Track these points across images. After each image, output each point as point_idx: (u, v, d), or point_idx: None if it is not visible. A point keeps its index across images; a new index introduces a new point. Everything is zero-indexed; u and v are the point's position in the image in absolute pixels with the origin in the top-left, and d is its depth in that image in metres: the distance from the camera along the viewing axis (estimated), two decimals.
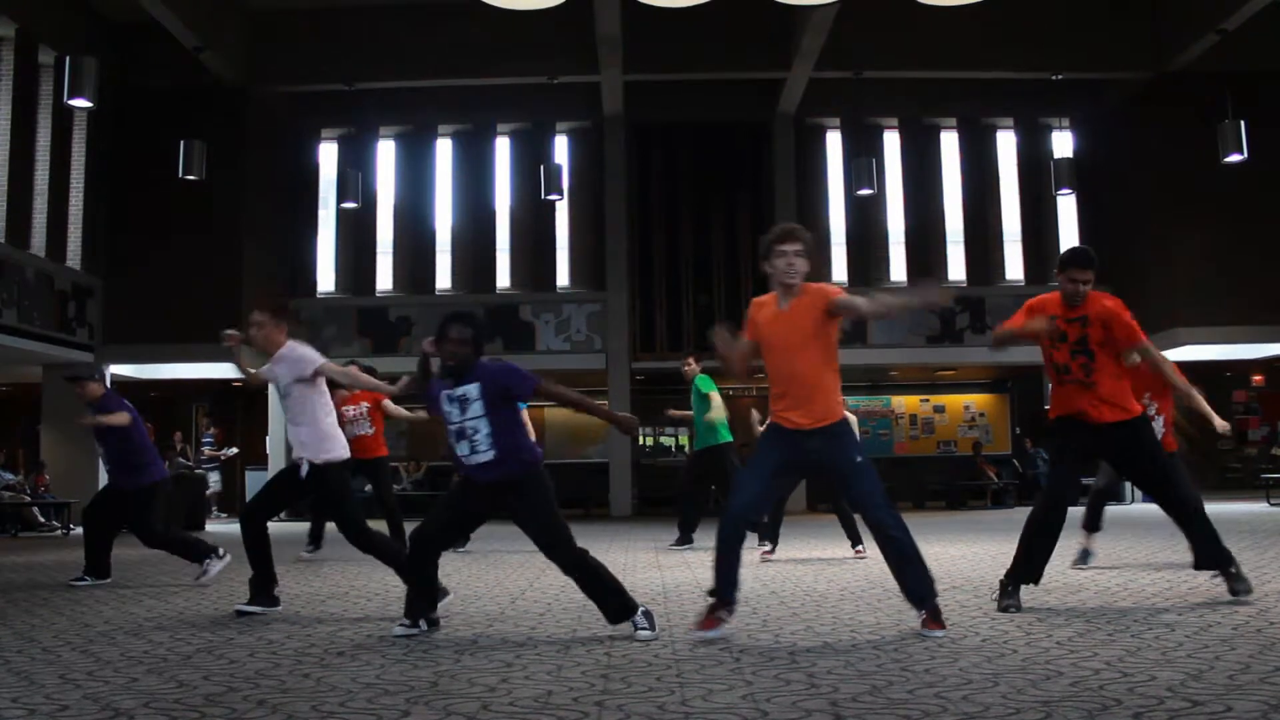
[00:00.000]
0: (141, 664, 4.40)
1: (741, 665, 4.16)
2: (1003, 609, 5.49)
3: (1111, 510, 17.80)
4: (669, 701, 3.54)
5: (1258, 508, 15.72)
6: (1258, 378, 24.29)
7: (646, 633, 4.90)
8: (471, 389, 5.13)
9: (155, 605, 6.49)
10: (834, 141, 21.34)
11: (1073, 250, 5.83)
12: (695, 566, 8.57)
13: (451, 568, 8.81)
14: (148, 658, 4.56)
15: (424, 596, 5.24)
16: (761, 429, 9.28)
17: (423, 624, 5.15)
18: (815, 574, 7.83)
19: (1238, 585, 5.62)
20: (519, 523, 5.15)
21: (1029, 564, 5.69)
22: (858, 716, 3.28)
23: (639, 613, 4.97)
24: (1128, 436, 5.69)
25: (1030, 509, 5.96)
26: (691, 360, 10.94)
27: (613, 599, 5.02)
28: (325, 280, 21.09)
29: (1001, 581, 5.70)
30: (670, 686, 3.78)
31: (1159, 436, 7.03)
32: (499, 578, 7.98)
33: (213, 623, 5.65)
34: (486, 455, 5.09)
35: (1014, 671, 3.90)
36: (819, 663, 4.17)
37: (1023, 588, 5.67)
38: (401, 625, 5.14)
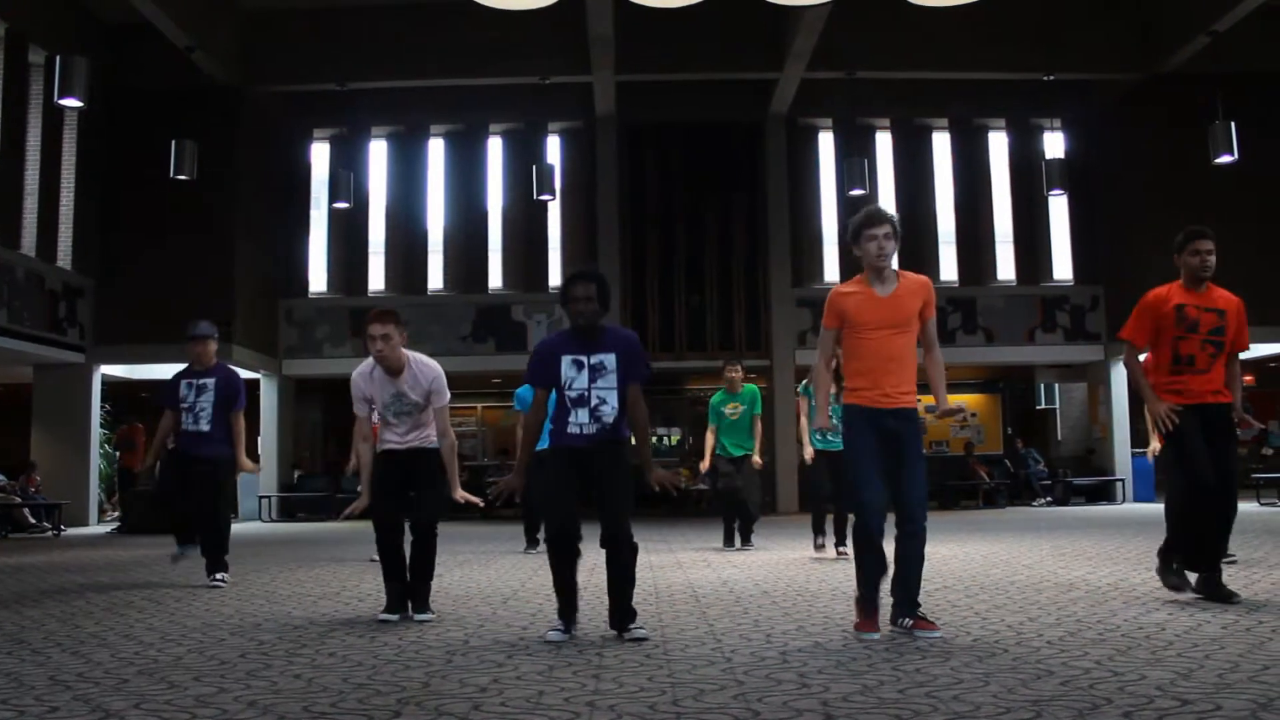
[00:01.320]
0: (132, 665, 4.39)
1: (733, 665, 4.16)
2: (1171, 586, 5.67)
3: (1102, 510, 17.88)
4: (660, 702, 3.54)
5: (1247, 507, 15.76)
6: (1248, 378, 24.31)
7: (642, 630, 4.90)
8: (609, 358, 5.05)
9: (147, 607, 6.48)
10: (826, 142, 21.38)
11: (1191, 226, 5.95)
12: (688, 567, 8.59)
13: (444, 568, 8.80)
14: (139, 659, 4.55)
15: (575, 599, 5.09)
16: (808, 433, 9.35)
17: (568, 629, 5.01)
18: (807, 573, 7.84)
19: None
20: (597, 486, 5.02)
21: (1200, 550, 5.73)
22: (849, 716, 3.28)
23: (638, 618, 5.00)
24: (1227, 418, 5.82)
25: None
26: (740, 367, 10.73)
27: (627, 597, 4.99)
28: (317, 280, 21.08)
29: (1163, 558, 5.82)
30: (662, 686, 3.78)
31: None
32: (491, 578, 7.97)
33: (204, 624, 5.64)
34: (608, 423, 5.03)
35: (1005, 671, 3.90)
36: (810, 662, 4.18)
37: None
38: (555, 630, 4.97)
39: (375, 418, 6.11)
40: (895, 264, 5.10)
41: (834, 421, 9.00)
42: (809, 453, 9.52)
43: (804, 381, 9.53)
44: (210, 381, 7.94)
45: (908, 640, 4.65)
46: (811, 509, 9.50)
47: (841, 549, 9.04)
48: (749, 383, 10.75)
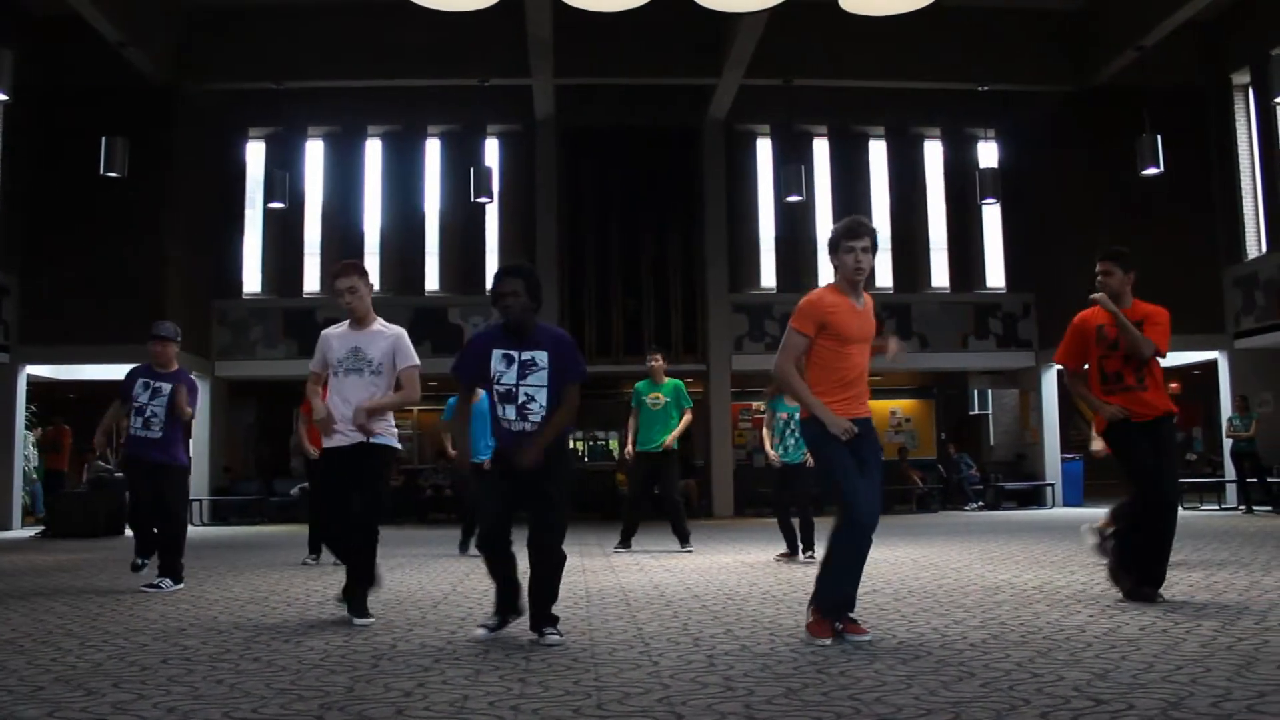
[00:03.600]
0: (49, 672, 4.30)
1: (660, 668, 4.17)
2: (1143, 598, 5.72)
3: (1032, 514, 18.14)
4: (585, 705, 3.54)
5: None
6: (1174, 385, 24.87)
7: (555, 636, 4.88)
8: (541, 356, 5.02)
9: (67, 612, 6.34)
10: (764, 148, 21.50)
11: (1104, 248, 6.13)
12: (620, 571, 8.59)
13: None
14: (55, 665, 4.46)
15: (512, 594, 5.13)
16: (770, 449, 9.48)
17: (507, 619, 5.11)
18: (738, 577, 7.88)
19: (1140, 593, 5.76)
20: (532, 495, 4.97)
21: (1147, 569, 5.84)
22: (771, 719, 3.30)
23: (557, 623, 4.99)
24: (1166, 428, 5.89)
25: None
26: (660, 357, 10.83)
27: (548, 605, 4.98)
28: (251, 281, 20.81)
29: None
30: (587, 690, 3.78)
31: None
32: (421, 582, 7.91)
33: (127, 630, 5.54)
34: (536, 421, 4.98)
35: (927, 673, 3.95)
36: (736, 665, 4.20)
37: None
38: (483, 628, 5.09)
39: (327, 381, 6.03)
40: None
41: (793, 436, 9.22)
42: (774, 456, 9.55)
43: (768, 399, 9.67)
44: (166, 386, 7.85)
45: (834, 643, 4.68)
46: (780, 519, 9.58)
47: (809, 554, 9.06)
48: (673, 378, 10.85)
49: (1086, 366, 6.16)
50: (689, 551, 10.36)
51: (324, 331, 6.11)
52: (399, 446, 6.10)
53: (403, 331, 6.01)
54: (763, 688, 3.75)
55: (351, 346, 5.90)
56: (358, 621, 5.64)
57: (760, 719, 3.31)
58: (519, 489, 5.02)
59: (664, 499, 10.69)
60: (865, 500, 4.80)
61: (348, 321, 6.02)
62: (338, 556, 5.91)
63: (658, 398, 10.52)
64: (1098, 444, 7.35)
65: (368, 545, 5.86)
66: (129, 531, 8.10)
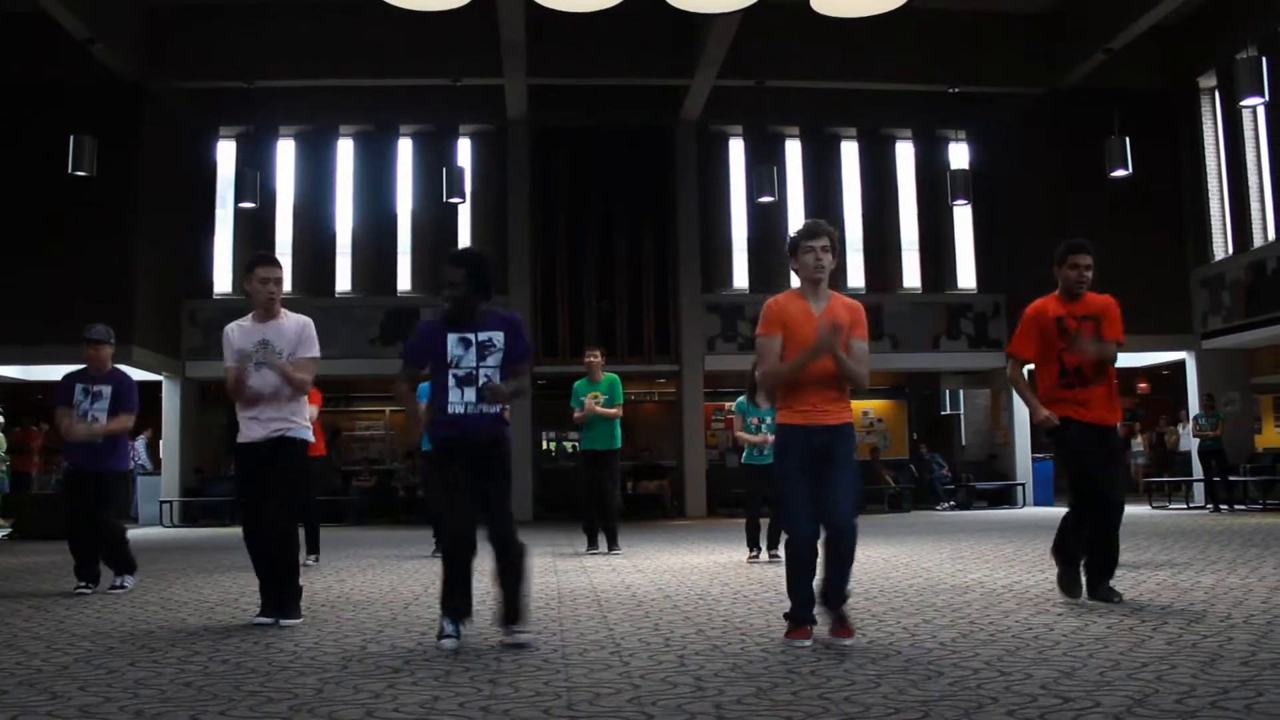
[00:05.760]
0: (13, 676, 4.26)
1: (630, 669, 4.18)
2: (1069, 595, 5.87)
3: (1003, 514, 18.25)
4: (555, 706, 3.54)
5: (1139, 510, 16.24)
6: (1143, 385, 25.12)
7: (526, 635, 4.84)
8: (498, 336, 5.02)
9: (34, 615, 6.29)
10: (736, 148, 21.52)
11: (1071, 240, 6.03)
12: (592, 571, 8.59)
13: (346, 573, 8.71)
14: (20, 669, 4.42)
15: (469, 594, 5.02)
16: (754, 437, 9.43)
17: (461, 627, 4.96)
18: (710, 578, 7.89)
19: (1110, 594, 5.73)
20: (484, 484, 4.96)
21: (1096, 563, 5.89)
22: (740, 718, 3.31)
23: (526, 620, 4.94)
24: (1114, 439, 5.88)
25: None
26: (600, 353, 10.85)
27: (522, 598, 4.92)
28: (222, 281, 20.65)
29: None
30: (557, 690, 3.79)
31: None
32: (393, 583, 7.89)
33: (94, 632, 5.50)
34: (494, 406, 5.00)
35: (896, 672, 3.98)
36: (707, 665, 4.21)
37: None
38: (450, 638, 4.85)
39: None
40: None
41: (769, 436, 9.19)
42: (758, 439, 9.44)
43: (740, 399, 9.69)
44: (106, 389, 7.74)
45: (806, 643, 4.69)
46: (747, 521, 9.57)
47: (774, 553, 9.11)
48: (610, 373, 10.86)
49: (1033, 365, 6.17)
50: (617, 553, 10.33)
51: (227, 327, 6.07)
52: (312, 439, 6.10)
53: (309, 321, 6.01)
54: (733, 688, 3.77)
55: (259, 340, 5.88)
56: (285, 622, 5.60)
57: (730, 719, 3.32)
58: (473, 480, 5.00)
59: (602, 499, 10.65)
60: (796, 521, 4.88)
61: (251, 315, 5.99)
62: (250, 555, 5.85)
63: (597, 396, 10.56)
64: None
65: (288, 548, 5.82)
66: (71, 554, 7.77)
